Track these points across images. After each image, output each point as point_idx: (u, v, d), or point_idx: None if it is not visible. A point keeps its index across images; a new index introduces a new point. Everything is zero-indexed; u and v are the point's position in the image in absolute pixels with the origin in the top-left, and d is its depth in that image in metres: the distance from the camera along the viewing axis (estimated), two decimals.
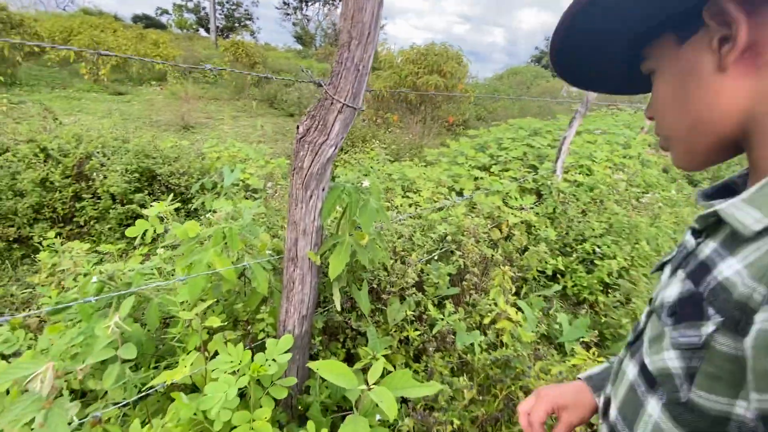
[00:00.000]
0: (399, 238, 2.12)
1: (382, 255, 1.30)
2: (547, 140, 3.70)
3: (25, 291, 1.93)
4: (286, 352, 1.13)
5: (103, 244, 3.01)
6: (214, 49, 16.62)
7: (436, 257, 2.12)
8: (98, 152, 2.98)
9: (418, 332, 1.58)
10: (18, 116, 4.55)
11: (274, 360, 1.09)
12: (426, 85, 6.21)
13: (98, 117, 8.19)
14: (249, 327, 1.38)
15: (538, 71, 20.77)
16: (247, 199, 2.70)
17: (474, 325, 1.76)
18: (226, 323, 1.35)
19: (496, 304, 1.79)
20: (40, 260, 1.91)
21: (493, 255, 2.10)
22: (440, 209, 2.45)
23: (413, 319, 1.66)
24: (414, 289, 1.78)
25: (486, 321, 1.66)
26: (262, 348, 1.22)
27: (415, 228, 2.31)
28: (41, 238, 2.97)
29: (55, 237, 2.13)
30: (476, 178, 2.89)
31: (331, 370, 1.13)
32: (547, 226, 2.68)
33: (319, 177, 1.06)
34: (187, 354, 1.20)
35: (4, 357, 1.33)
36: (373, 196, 1.18)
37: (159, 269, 1.43)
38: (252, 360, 1.08)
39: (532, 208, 2.81)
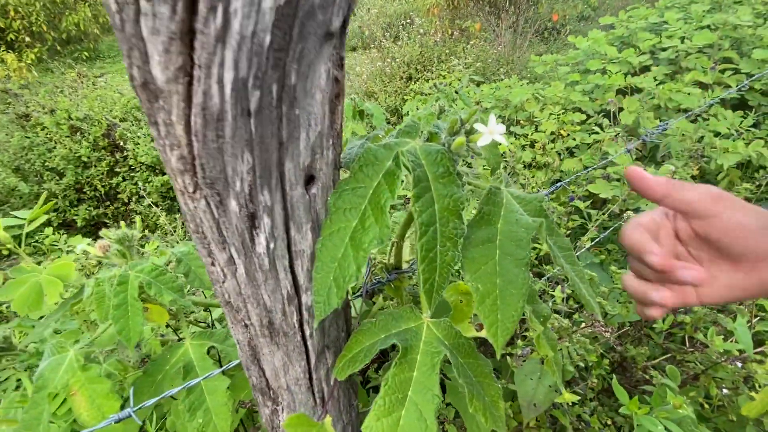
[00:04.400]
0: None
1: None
2: (749, 13, 2.20)
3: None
4: None
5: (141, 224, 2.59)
6: None
7: (587, 247, 1.17)
8: (117, 119, 2.47)
9: None
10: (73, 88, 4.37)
11: None
12: None
13: None
14: None
15: None
16: None
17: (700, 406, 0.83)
18: None
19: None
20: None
21: None
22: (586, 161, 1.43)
23: (578, 399, 0.80)
24: (562, 319, 0.90)
25: (714, 393, 0.72)
26: None
27: (537, 185, 1.36)
28: (84, 221, 2.69)
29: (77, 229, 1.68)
30: (631, 90, 1.72)
31: None
32: None
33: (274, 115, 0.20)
34: None
35: None
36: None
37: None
38: None
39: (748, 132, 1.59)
